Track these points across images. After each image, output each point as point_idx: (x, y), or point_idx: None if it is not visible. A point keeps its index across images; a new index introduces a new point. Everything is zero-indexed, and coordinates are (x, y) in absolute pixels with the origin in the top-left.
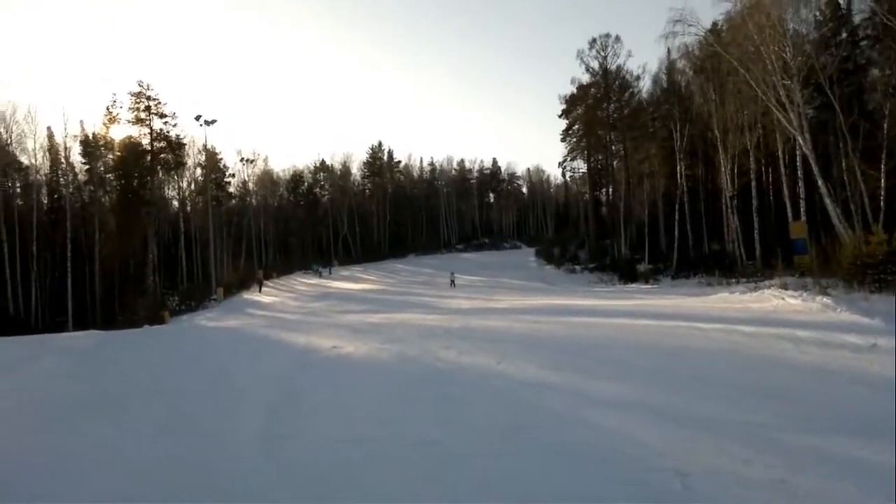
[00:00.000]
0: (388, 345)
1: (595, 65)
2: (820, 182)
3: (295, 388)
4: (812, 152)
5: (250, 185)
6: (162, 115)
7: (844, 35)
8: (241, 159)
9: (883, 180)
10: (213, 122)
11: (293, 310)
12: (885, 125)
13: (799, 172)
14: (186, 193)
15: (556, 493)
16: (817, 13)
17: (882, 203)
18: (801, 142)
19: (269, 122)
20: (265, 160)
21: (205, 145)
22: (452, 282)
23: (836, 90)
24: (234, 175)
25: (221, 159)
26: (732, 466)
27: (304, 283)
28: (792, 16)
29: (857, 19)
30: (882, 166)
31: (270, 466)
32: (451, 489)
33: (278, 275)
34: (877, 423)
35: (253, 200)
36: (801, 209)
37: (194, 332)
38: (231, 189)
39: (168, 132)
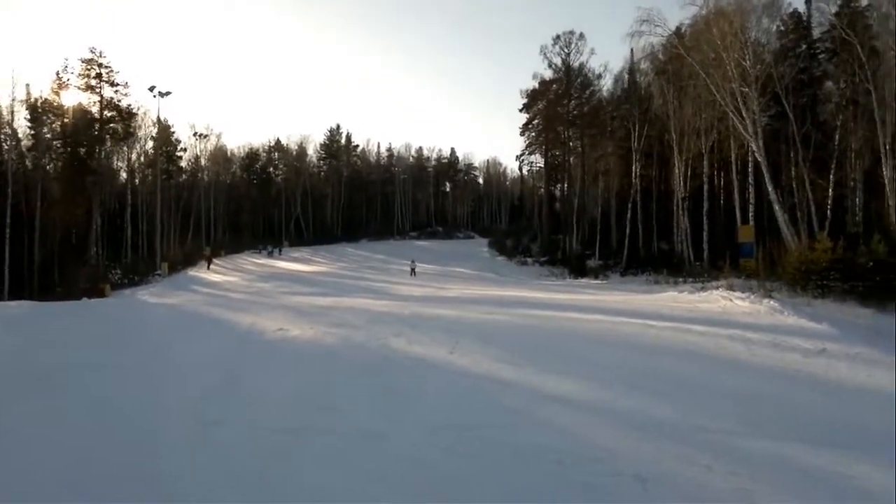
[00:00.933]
0: (335, 329)
1: (558, 61)
2: (770, 188)
3: (235, 371)
4: (764, 159)
5: (203, 160)
6: (113, 84)
7: (804, 47)
8: (195, 134)
9: (830, 190)
10: (168, 93)
11: (240, 289)
12: (837, 136)
13: (750, 178)
14: (136, 165)
15: (507, 496)
16: (779, 23)
17: (828, 212)
18: (754, 148)
19: (226, 99)
20: (219, 136)
21: (157, 117)
22: (413, 270)
23: (791, 100)
24: (185, 149)
25: (174, 132)
26: (693, 473)
27: (252, 262)
28: (754, 24)
29: (816, 32)
30: (831, 176)
31: (200, 455)
32: (397, 489)
33: (227, 253)
34: (838, 431)
35: (205, 176)
36: (750, 214)
37: (135, 308)
38: (182, 164)
39: (119, 101)
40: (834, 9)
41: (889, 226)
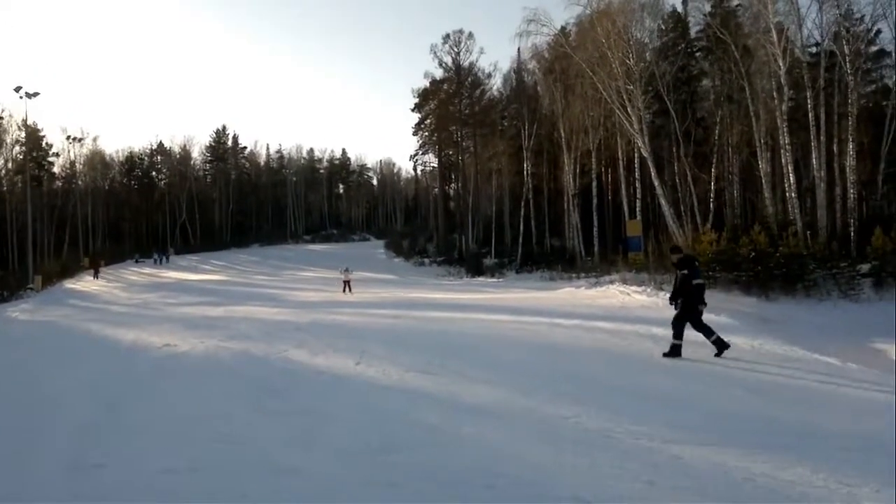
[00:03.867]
0: (229, 343)
1: (448, 60)
2: (656, 183)
3: (117, 398)
4: (650, 154)
5: (78, 165)
6: None
7: (683, 45)
8: (68, 137)
9: (712, 184)
10: (36, 94)
11: (122, 301)
12: (717, 132)
13: (636, 173)
14: (2, 173)
15: None
16: (660, 22)
17: (711, 205)
18: (639, 144)
19: (103, 100)
20: (95, 139)
21: (24, 120)
22: (347, 284)
23: (672, 97)
24: (58, 154)
25: (44, 136)
26: (637, 490)
27: (136, 272)
28: (637, 24)
29: (693, 31)
30: (712, 170)
31: None
32: None
33: (107, 263)
34: (769, 432)
35: (80, 182)
36: (637, 208)
37: (1, 327)
38: (55, 169)
39: None
40: (708, 8)
41: (766, 217)
